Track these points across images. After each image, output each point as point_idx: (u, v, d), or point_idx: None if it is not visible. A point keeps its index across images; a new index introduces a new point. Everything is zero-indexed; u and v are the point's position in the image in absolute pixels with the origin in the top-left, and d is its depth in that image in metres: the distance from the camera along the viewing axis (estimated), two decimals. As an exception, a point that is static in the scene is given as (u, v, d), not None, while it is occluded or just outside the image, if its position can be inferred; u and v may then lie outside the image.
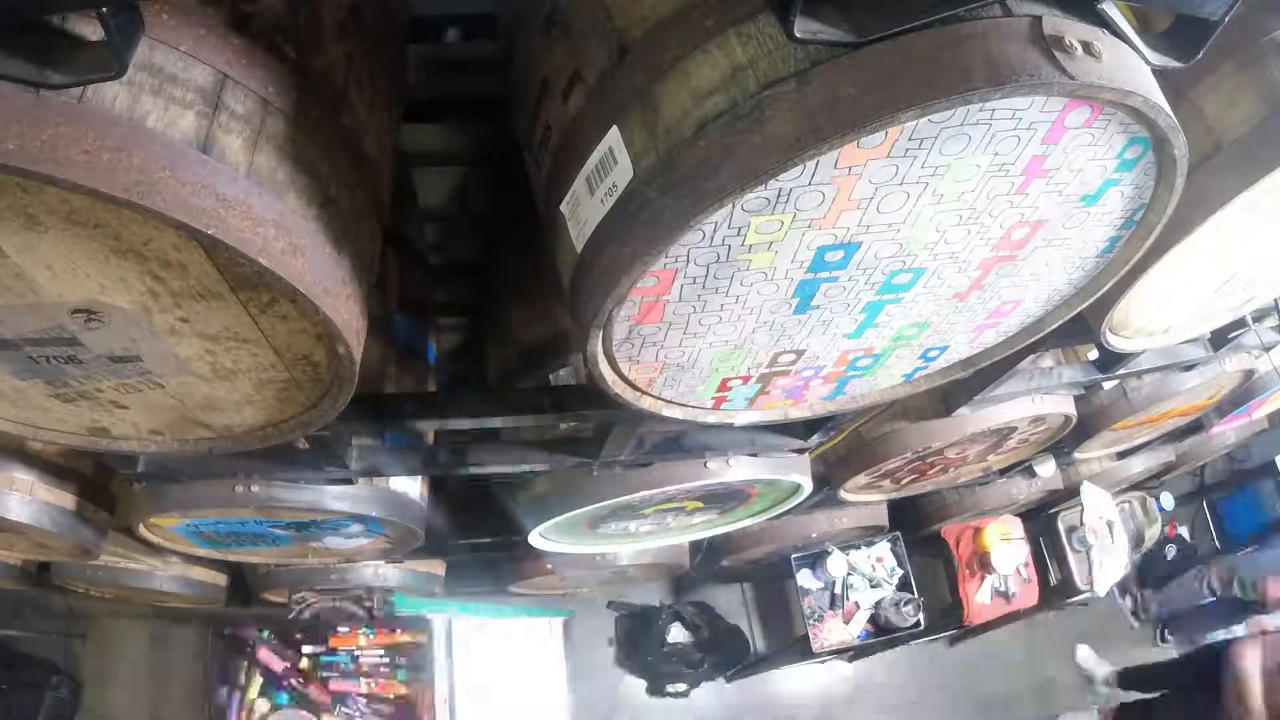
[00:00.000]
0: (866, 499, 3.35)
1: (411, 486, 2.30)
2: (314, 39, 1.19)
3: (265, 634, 3.58)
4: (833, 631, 3.98)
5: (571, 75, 1.15)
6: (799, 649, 4.23)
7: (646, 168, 1.01)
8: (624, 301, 1.14)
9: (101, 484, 2.27)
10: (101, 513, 2.30)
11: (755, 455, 2.17)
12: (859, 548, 4.02)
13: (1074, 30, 0.92)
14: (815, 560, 4.02)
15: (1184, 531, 5.65)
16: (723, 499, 2.52)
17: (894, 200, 1.05)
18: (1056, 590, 4.39)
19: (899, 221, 1.09)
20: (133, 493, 2.09)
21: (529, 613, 4.05)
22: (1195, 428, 3.65)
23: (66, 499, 2.15)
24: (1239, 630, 4.81)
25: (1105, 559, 4.12)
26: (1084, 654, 5.07)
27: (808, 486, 2.43)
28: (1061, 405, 2.62)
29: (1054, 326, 1.46)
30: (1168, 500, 5.04)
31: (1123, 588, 5.34)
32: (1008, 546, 4.12)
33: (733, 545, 3.78)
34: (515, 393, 2.01)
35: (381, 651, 3.66)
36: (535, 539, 2.62)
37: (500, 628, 3.90)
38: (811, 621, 4.00)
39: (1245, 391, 3.11)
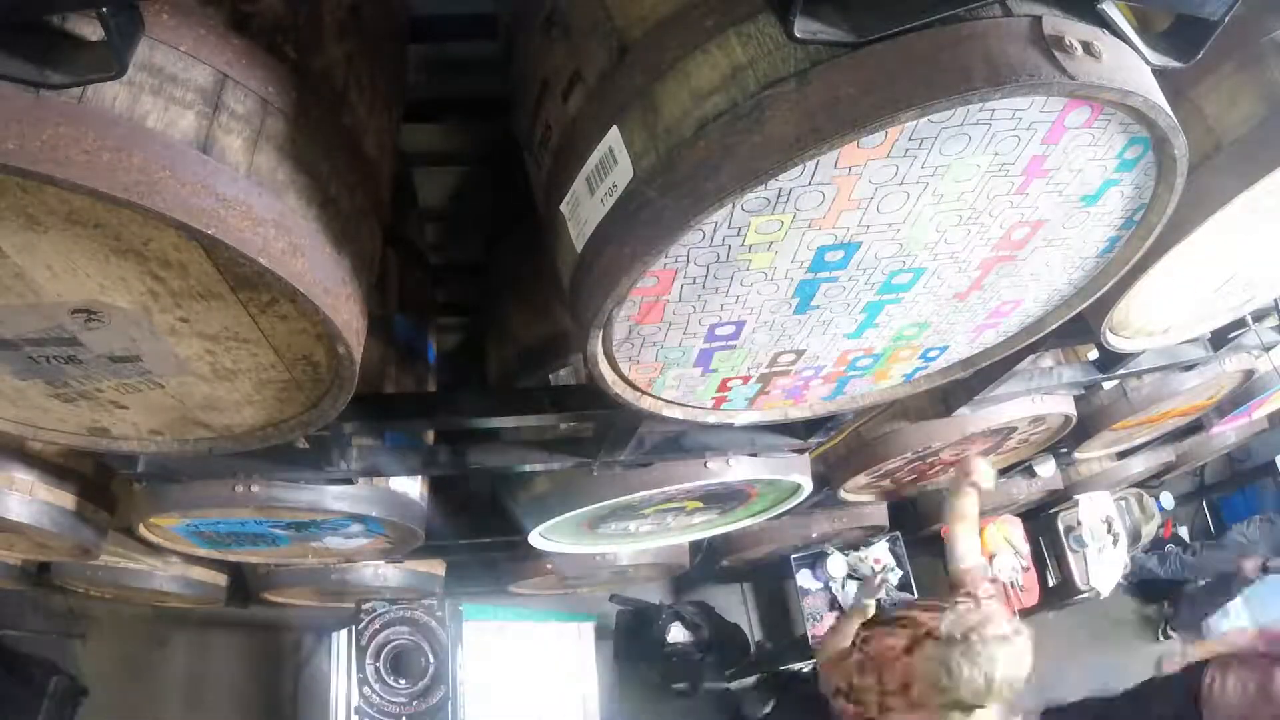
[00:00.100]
0: (866, 499, 3.35)
1: (411, 486, 2.30)
2: (314, 39, 1.19)
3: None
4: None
5: (571, 75, 1.15)
6: (799, 649, 4.23)
7: (646, 168, 1.01)
8: (624, 301, 1.14)
9: (101, 484, 2.27)
10: (101, 513, 2.30)
11: (755, 455, 2.17)
12: (858, 548, 4.02)
13: (1074, 30, 0.92)
14: (815, 560, 4.02)
15: (1183, 531, 5.64)
16: (723, 499, 2.52)
17: (894, 200, 1.05)
18: (1056, 590, 4.39)
19: (899, 221, 1.09)
20: (133, 493, 2.09)
21: (557, 617, 4.04)
22: (1195, 428, 3.66)
23: (66, 499, 2.15)
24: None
25: (1104, 559, 4.11)
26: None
27: (808, 486, 2.43)
28: (1061, 405, 2.62)
29: (1054, 326, 1.46)
30: (1168, 500, 5.03)
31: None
32: (1008, 547, 4.12)
33: (733, 545, 3.79)
34: (515, 393, 2.01)
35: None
36: (535, 539, 2.62)
37: (519, 630, 3.90)
38: (811, 621, 4.00)
39: (1245, 391, 3.11)
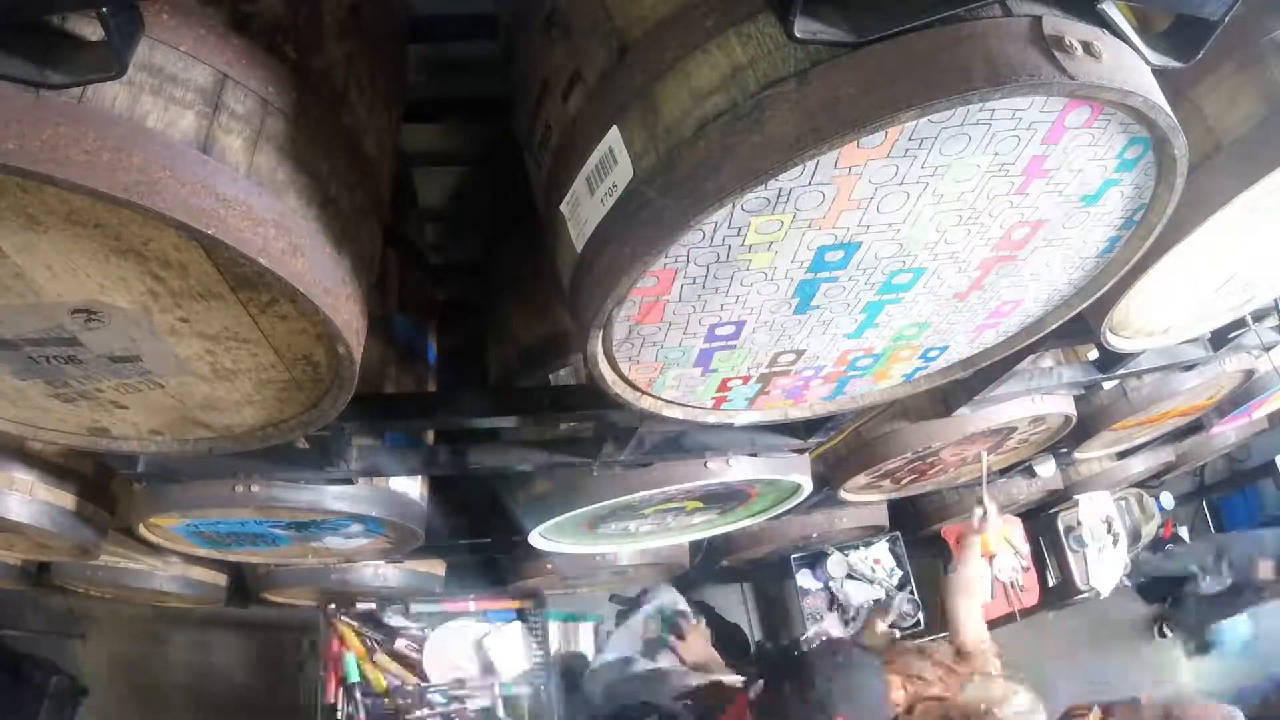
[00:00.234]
0: (866, 499, 3.35)
1: (411, 486, 2.30)
2: (314, 39, 1.19)
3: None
4: (833, 631, 3.98)
5: (571, 75, 1.15)
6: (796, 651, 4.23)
7: (646, 168, 1.01)
8: (624, 301, 1.14)
9: (101, 484, 2.27)
10: (101, 513, 2.30)
11: (755, 455, 2.17)
12: (858, 548, 4.02)
13: (1074, 30, 0.92)
14: (815, 560, 4.02)
15: (1183, 531, 5.63)
16: (723, 499, 2.52)
17: (894, 200, 1.05)
18: (1056, 590, 4.39)
19: (899, 221, 1.09)
20: (133, 493, 2.09)
21: (557, 617, 4.04)
22: (1195, 428, 3.65)
23: (66, 499, 2.15)
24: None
25: (1104, 559, 4.11)
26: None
27: (808, 486, 2.43)
28: (1061, 405, 2.62)
29: (1054, 326, 1.46)
30: (1168, 500, 5.03)
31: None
32: (1008, 547, 4.12)
33: (733, 545, 3.78)
34: (515, 393, 2.01)
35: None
36: (535, 539, 2.62)
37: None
38: (811, 621, 4.00)
39: (1245, 391, 3.11)
